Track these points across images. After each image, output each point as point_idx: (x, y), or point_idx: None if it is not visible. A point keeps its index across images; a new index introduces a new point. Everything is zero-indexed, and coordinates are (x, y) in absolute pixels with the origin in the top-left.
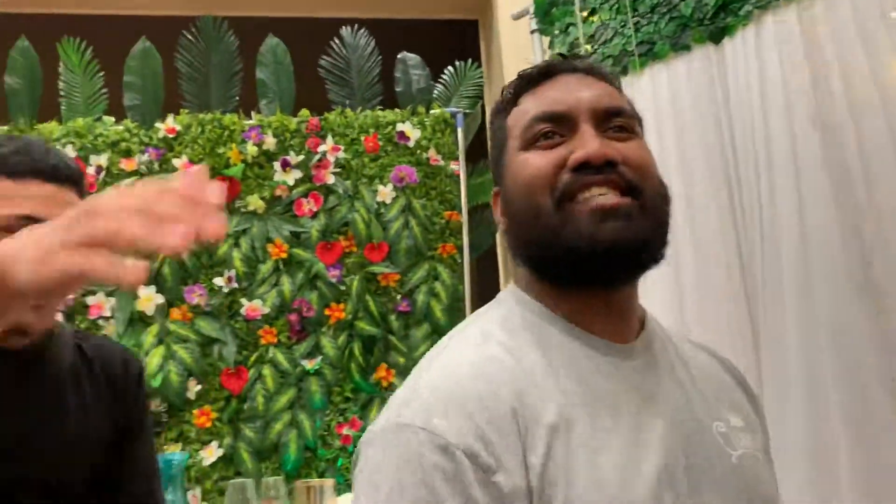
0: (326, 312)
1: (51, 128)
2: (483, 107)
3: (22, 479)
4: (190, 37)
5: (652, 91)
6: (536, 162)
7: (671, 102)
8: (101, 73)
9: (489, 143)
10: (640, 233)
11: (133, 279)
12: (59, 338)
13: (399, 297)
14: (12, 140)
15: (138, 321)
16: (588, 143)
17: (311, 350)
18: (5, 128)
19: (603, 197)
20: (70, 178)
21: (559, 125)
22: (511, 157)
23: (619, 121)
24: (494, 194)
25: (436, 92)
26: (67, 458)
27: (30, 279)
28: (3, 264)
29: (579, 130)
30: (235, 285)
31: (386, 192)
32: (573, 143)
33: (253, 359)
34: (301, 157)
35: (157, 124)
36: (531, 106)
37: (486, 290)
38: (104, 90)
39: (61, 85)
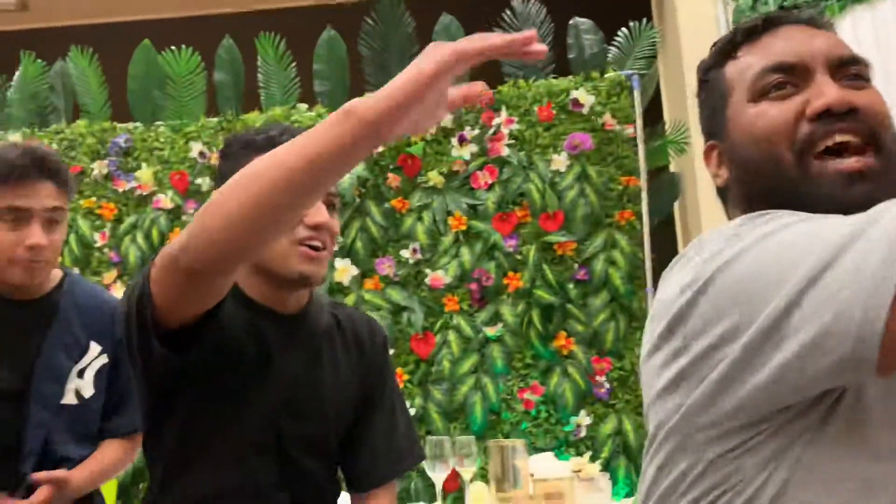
0: (504, 281)
1: (253, 117)
2: (657, 68)
3: (292, 434)
4: (371, 21)
5: (853, 36)
6: (772, 113)
7: (876, 47)
8: (294, 64)
9: (700, 98)
10: (886, 195)
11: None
12: (317, 303)
13: (576, 265)
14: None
15: (337, 291)
16: (827, 92)
17: (491, 317)
18: (215, 120)
19: (848, 160)
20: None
21: (792, 76)
22: (738, 110)
23: (854, 69)
24: (709, 148)
25: (609, 55)
26: (325, 413)
27: (378, 107)
28: (355, 104)
29: (814, 80)
30: (420, 256)
31: (560, 161)
32: (808, 93)
33: (438, 325)
34: (476, 132)
35: None
36: (757, 58)
37: (664, 257)
38: (297, 79)
39: (260, 77)
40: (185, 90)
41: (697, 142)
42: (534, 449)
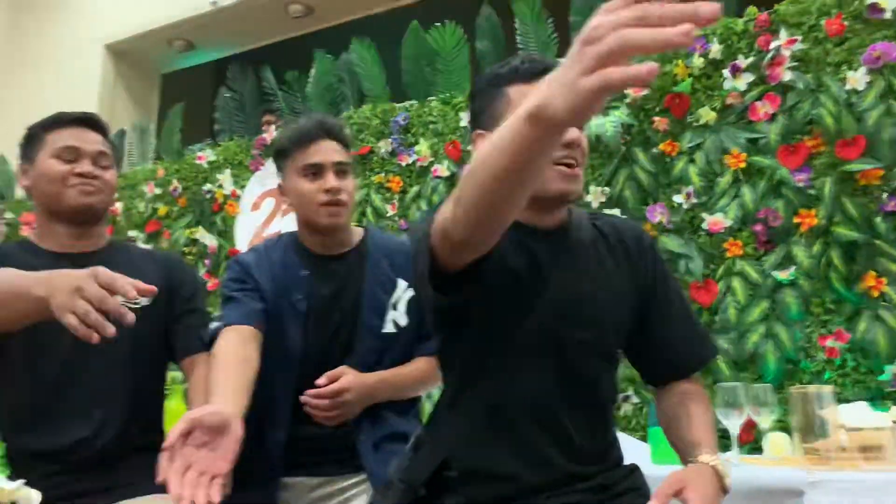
0: (795, 220)
1: None
2: None
3: (570, 342)
4: None
5: None
6: None
7: None
8: (551, 19)
9: None
10: None
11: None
12: (576, 217)
13: (884, 195)
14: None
15: None
16: None
17: (781, 260)
18: None
19: None
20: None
21: None
22: None
23: None
24: None
25: None
26: (601, 320)
27: (566, 108)
28: (540, 108)
29: None
30: (695, 201)
31: (857, 79)
32: None
33: (720, 272)
34: (751, 59)
35: None
36: None
37: None
38: (555, 35)
39: (518, 39)
40: (452, 64)
41: None
42: (841, 400)
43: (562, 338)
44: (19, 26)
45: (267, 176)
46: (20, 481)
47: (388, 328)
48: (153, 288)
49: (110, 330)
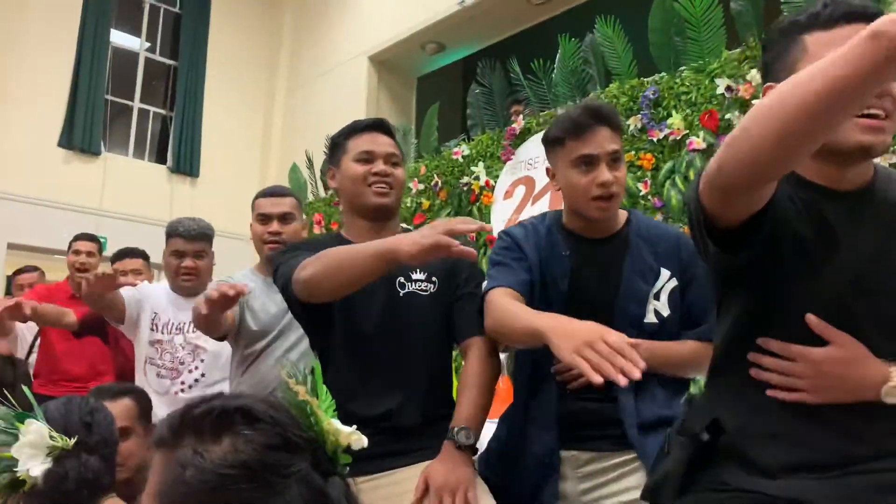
0: None
1: None
2: None
3: (861, 312)
4: None
5: None
6: None
7: None
8: None
9: None
10: None
11: None
12: (883, 176)
13: None
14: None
15: None
16: None
17: None
18: (737, 51)
19: None
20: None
21: None
22: None
23: None
24: None
25: None
26: None
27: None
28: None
29: None
30: None
31: None
32: None
33: None
34: None
35: None
36: None
37: None
38: None
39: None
40: (704, 29)
41: None
42: None
43: (851, 308)
44: (301, 47)
45: (517, 165)
46: (353, 427)
47: (650, 318)
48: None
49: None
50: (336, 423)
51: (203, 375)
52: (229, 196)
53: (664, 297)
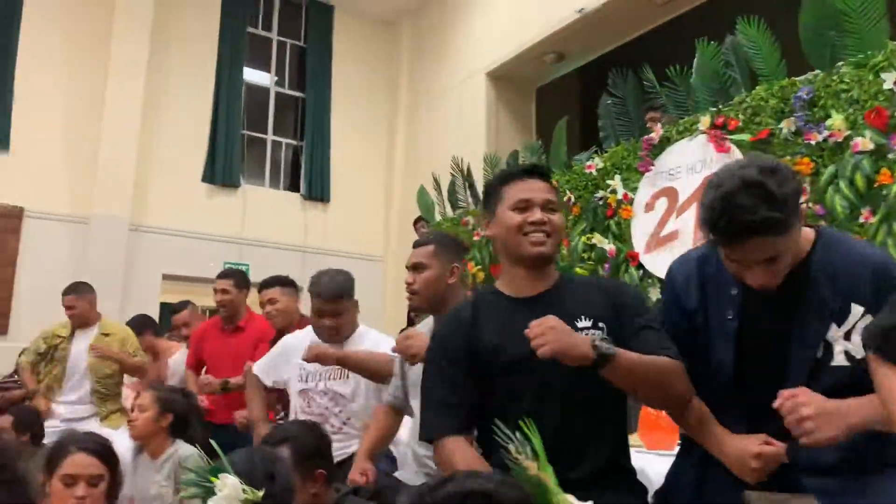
0: None
1: None
2: None
3: None
4: None
5: None
6: None
7: None
8: None
9: None
10: None
11: None
12: None
13: None
14: None
15: None
16: None
17: None
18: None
19: None
20: None
21: None
22: None
23: None
24: None
25: None
26: None
27: None
28: None
29: None
30: None
31: None
32: None
33: None
34: None
35: None
36: None
37: None
38: None
39: None
40: (865, 20)
41: None
42: None
43: None
44: (420, 69)
45: (657, 175)
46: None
47: (839, 360)
48: None
49: None
50: (569, 498)
51: (349, 419)
52: (359, 219)
53: (856, 337)
